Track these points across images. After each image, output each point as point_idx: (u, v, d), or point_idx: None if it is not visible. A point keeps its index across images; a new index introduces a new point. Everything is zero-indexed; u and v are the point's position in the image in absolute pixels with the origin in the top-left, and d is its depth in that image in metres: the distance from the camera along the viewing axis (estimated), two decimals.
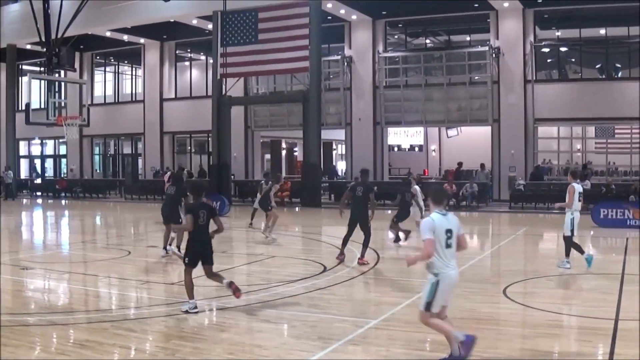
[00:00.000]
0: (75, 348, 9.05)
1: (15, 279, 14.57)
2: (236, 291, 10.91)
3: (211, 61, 39.67)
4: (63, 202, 41.64)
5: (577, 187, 14.54)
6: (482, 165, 35.60)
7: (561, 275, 14.14)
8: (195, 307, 10.78)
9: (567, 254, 14.63)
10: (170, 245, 16.81)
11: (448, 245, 7.83)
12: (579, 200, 14.56)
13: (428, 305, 7.90)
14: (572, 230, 14.51)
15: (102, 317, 10.99)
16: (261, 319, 10.55)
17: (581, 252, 14.71)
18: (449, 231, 7.84)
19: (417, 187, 19.61)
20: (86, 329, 10.16)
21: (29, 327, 10.33)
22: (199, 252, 10.78)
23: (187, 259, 10.86)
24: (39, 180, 51.57)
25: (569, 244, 14.61)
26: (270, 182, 21.56)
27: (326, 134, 38.89)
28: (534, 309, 10.97)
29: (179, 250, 15.82)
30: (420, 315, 8.04)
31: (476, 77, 36.93)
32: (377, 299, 12.38)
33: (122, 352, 8.81)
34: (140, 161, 48.85)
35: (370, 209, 15.83)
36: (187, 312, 10.73)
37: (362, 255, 15.71)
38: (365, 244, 15.69)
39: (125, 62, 50.95)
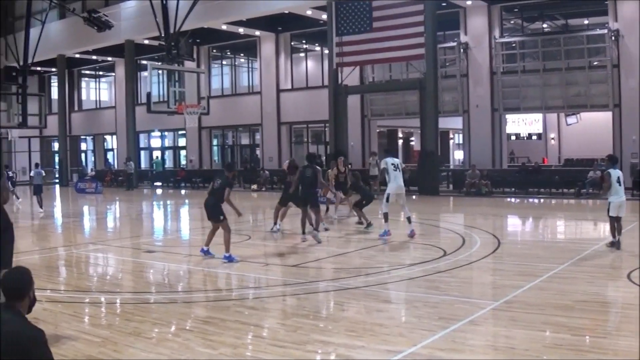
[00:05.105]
0: (197, 324, 9.30)
1: (137, 260, 15.28)
2: None
3: (326, 51, 39.85)
4: (182, 191, 42.59)
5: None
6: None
7: None
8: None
9: None
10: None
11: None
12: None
13: None
14: None
15: (224, 296, 11.27)
16: (381, 299, 10.61)
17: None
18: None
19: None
20: (209, 307, 10.46)
21: (151, 305, 10.71)
22: None
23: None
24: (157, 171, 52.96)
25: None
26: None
27: (443, 123, 38.46)
28: None
29: None
30: None
31: (595, 62, 35.81)
32: (498, 282, 12.17)
33: (244, 327, 8.98)
34: (258, 151, 49.46)
35: None
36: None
37: None
38: None
39: (241, 54, 51.67)
